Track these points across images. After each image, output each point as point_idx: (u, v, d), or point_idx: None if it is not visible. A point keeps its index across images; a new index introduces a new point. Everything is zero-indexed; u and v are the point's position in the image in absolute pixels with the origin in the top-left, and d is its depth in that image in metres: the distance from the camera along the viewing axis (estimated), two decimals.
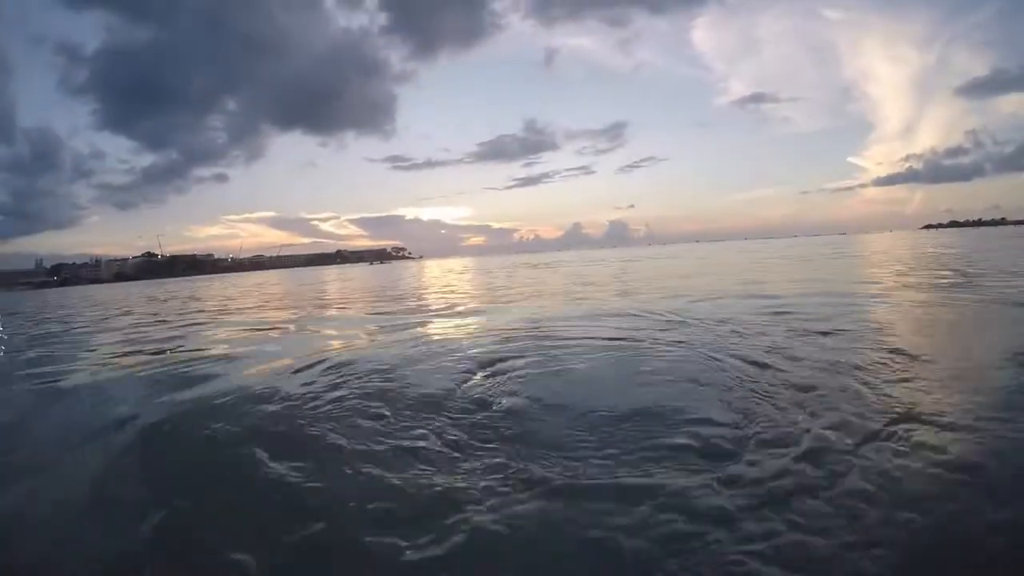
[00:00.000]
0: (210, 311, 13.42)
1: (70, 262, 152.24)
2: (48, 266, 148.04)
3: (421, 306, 11.45)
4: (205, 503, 2.69)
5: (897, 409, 3.07)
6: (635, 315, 7.17)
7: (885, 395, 3.34)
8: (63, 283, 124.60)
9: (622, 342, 5.50)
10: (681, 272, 16.62)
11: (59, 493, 2.87)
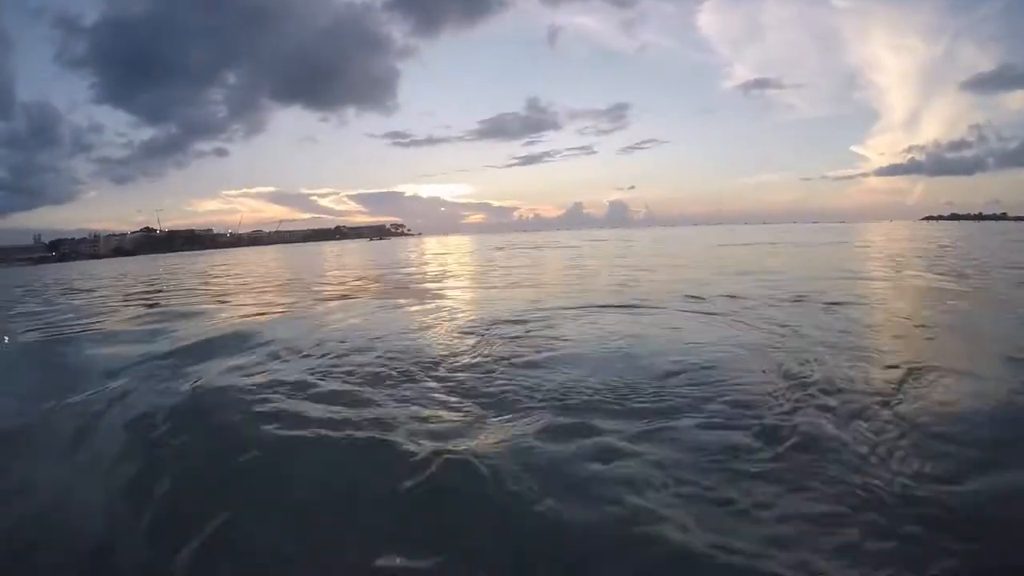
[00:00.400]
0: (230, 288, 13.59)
1: (69, 237, 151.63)
2: (46, 241, 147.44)
3: (426, 279, 11.67)
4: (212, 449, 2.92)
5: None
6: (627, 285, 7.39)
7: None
8: (62, 258, 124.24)
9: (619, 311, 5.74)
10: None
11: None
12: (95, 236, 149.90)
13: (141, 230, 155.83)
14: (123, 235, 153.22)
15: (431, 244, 50.05)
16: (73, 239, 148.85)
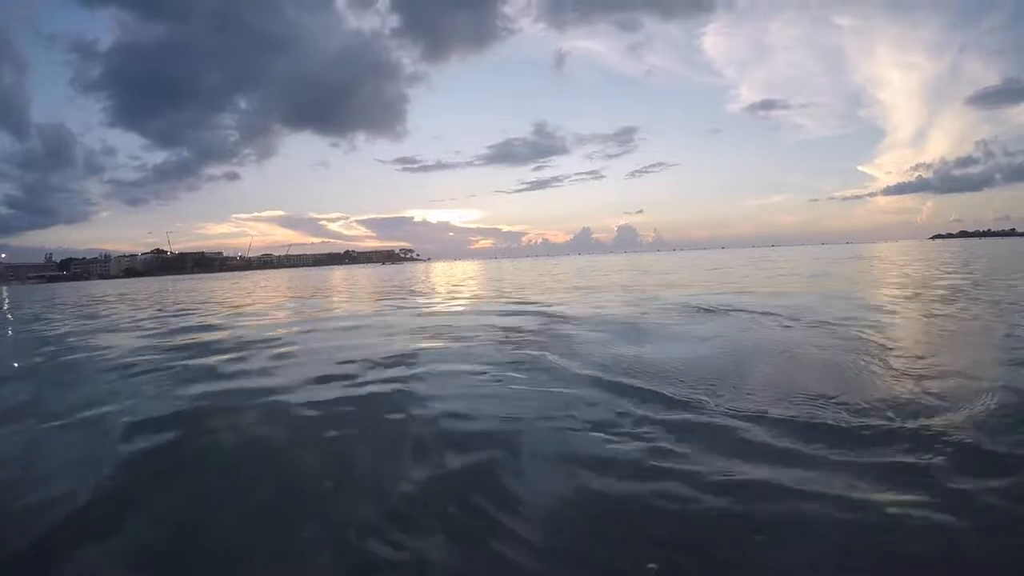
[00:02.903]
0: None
1: (80, 257, 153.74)
2: (57, 260, 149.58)
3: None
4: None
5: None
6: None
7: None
8: (73, 277, 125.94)
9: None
10: None
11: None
12: (106, 256, 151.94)
13: (152, 251, 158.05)
14: (134, 256, 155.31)
15: (448, 270, 49.79)
16: (84, 259, 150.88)
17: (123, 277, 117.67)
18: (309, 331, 7.27)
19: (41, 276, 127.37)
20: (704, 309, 7.38)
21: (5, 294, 40.65)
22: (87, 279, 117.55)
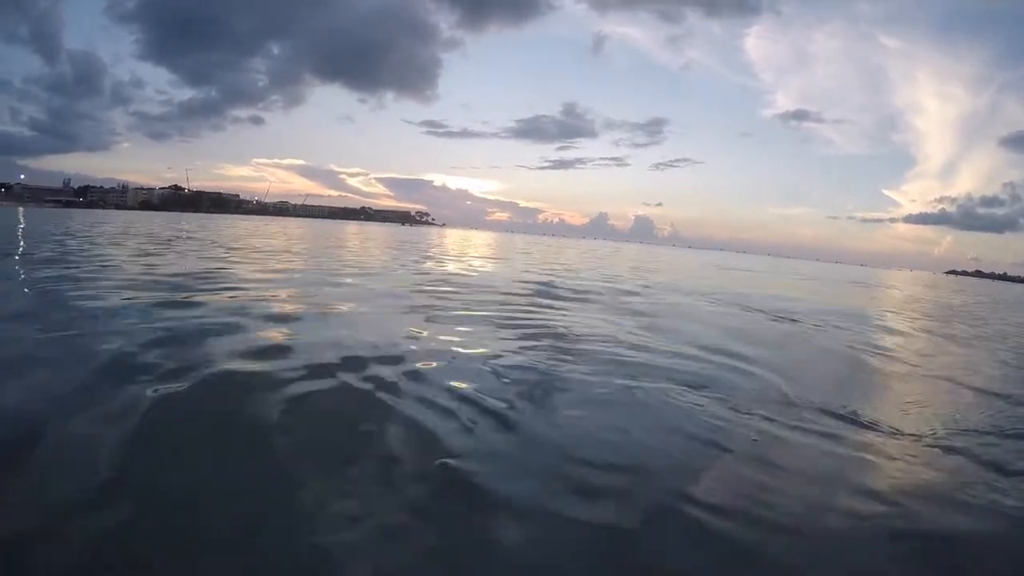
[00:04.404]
0: None
1: (98, 185, 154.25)
2: (76, 186, 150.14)
3: None
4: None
5: None
6: None
7: None
8: (89, 205, 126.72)
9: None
10: None
11: None
12: (124, 187, 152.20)
13: (170, 187, 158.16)
14: (151, 189, 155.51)
15: (469, 238, 49.27)
16: (102, 187, 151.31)
17: (139, 209, 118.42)
18: None
19: (58, 200, 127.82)
20: None
21: (21, 215, 41.00)
22: (103, 207, 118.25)
